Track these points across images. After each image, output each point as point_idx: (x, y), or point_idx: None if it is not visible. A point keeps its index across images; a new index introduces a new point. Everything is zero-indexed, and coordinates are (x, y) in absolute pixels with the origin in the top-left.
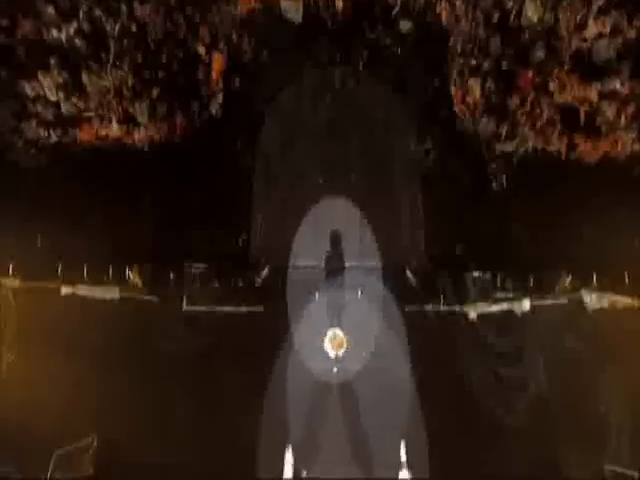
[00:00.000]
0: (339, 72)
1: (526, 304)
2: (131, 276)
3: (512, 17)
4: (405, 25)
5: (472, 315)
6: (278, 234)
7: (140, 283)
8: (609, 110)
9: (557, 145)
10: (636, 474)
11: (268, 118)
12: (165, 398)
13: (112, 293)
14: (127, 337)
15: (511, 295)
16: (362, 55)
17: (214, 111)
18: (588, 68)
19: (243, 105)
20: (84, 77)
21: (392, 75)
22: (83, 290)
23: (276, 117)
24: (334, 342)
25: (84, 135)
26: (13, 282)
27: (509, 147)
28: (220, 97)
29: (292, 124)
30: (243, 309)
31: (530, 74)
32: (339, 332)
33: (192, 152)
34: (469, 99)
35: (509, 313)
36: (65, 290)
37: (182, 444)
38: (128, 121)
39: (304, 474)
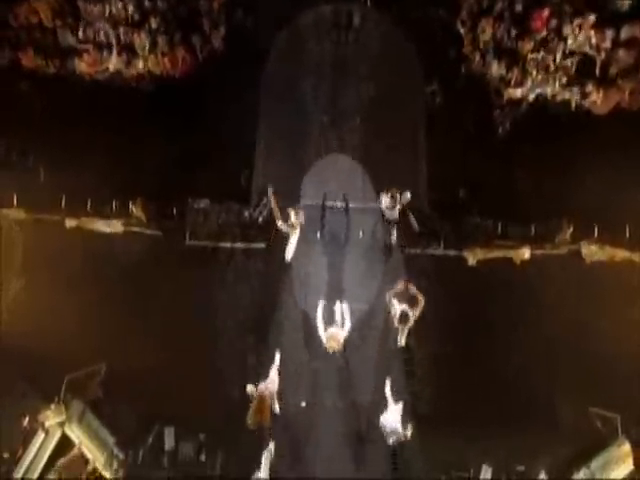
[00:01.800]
0: (345, 8)
1: (526, 253)
2: (134, 210)
3: None
4: None
5: (471, 261)
6: (281, 173)
7: (144, 217)
8: (626, 58)
9: (567, 94)
10: (617, 417)
11: (272, 54)
12: (166, 328)
13: (116, 227)
14: (131, 270)
15: (511, 243)
16: None
17: (216, 45)
18: (606, 13)
19: (246, 40)
20: (80, 3)
21: (399, 13)
22: (87, 223)
23: (280, 53)
24: (330, 341)
25: (83, 66)
26: (18, 214)
27: (518, 93)
28: (222, 30)
29: (296, 61)
30: (245, 245)
31: (546, 14)
32: (335, 330)
33: (195, 88)
34: (480, 41)
35: (508, 260)
36: (69, 223)
37: (182, 370)
38: (128, 53)
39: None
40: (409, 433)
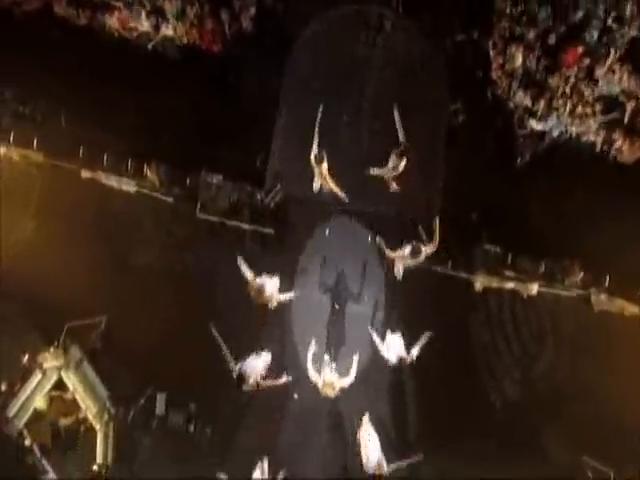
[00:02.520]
0: (376, 9)
1: (534, 288)
2: (149, 173)
3: None
4: None
5: (478, 286)
6: (297, 163)
7: (157, 181)
8: None
9: (593, 136)
10: (611, 472)
11: (299, 43)
12: (168, 294)
13: (129, 186)
14: (140, 231)
15: (520, 276)
16: None
17: (245, 24)
18: None
19: (275, 24)
20: None
21: (431, 24)
22: (102, 177)
23: (307, 44)
24: (326, 388)
25: (113, 22)
26: (37, 157)
27: (542, 126)
28: (252, 10)
29: (322, 54)
30: (254, 228)
31: (578, 52)
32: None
33: (220, 64)
34: (509, 67)
35: (515, 293)
36: (85, 174)
37: (181, 338)
38: (157, 17)
39: None
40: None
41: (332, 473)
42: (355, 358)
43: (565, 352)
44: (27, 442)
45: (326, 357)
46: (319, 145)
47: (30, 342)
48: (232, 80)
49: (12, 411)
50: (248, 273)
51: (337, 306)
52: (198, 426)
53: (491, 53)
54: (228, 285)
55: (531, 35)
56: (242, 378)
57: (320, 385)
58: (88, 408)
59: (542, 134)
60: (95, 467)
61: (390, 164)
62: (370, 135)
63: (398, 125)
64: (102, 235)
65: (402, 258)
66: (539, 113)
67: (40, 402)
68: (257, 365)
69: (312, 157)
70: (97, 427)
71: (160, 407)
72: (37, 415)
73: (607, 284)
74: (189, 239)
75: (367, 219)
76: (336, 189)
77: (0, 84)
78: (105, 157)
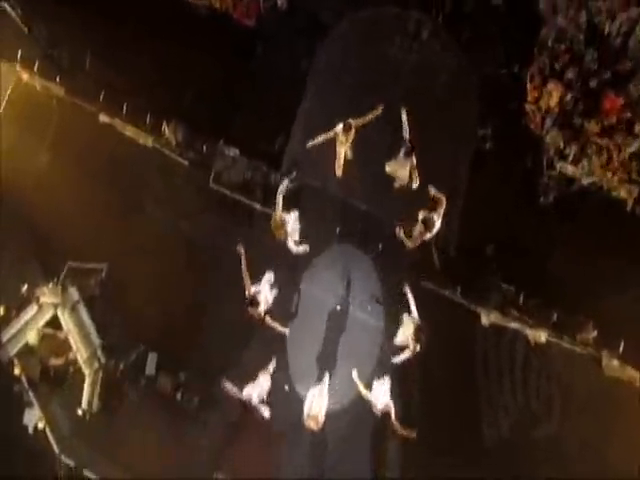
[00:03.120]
0: (415, 15)
1: (543, 336)
2: (167, 131)
3: (619, 36)
4: None
5: (484, 320)
6: (316, 152)
7: (174, 141)
8: None
9: (624, 193)
10: None
11: (331, 34)
12: (172, 256)
13: (146, 140)
14: (150, 186)
15: (529, 320)
16: (444, 7)
17: (280, 3)
18: None
19: (309, 10)
20: None
21: (470, 41)
22: (119, 125)
23: (341, 35)
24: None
25: None
26: (59, 90)
27: (571, 171)
28: None
29: (355, 49)
30: (264, 210)
31: (619, 102)
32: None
33: (251, 36)
34: (543, 103)
35: (522, 336)
36: (103, 119)
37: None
38: None
39: None
40: None
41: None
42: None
43: (567, 407)
44: (16, 371)
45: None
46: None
47: (30, 273)
48: (260, 55)
49: (5, 337)
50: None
51: (339, 307)
52: (186, 395)
53: (528, 85)
54: (229, 259)
55: (572, 75)
56: (254, 301)
57: (305, 415)
58: (79, 351)
59: (571, 179)
60: (79, 411)
61: (397, 164)
62: (387, 138)
63: (404, 124)
64: (113, 183)
65: (418, 236)
66: (570, 157)
67: (32, 338)
68: (268, 296)
69: (340, 126)
70: (86, 372)
71: (150, 367)
72: (28, 349)
73: (621, 350)
74: (198, 206)
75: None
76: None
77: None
78: (125, 106)
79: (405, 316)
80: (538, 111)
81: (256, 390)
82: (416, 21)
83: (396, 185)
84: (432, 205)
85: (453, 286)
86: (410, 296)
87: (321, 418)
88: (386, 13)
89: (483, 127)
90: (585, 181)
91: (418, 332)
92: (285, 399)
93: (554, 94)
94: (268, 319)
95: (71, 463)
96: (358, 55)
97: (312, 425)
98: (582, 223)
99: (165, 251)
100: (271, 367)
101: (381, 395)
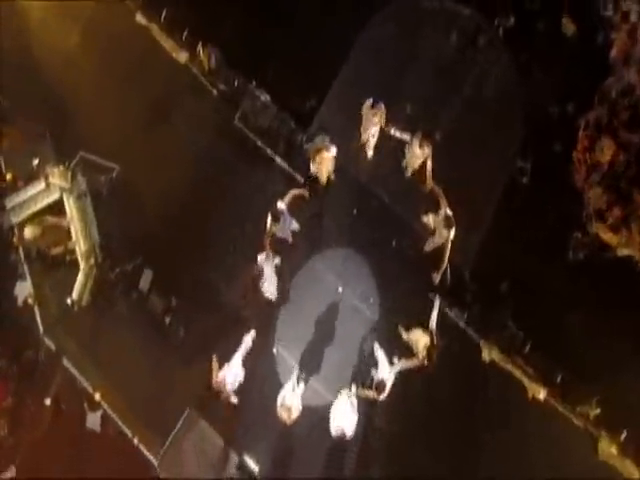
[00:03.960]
0: (476, 19)
1: (541, 393)
2: (201, 54)
3: None
4: (569, 27)
5: (485, 356)
6: (343, 128)
7: (206, 66)
8: None
9: None
10: None
11: (388, 10)
12: (184, 179)
13: (179, 56)
14: (176, 102)
15: (531, 370)
16: (507, 20)
17: None
18: None
19: None
20: None
21: (527, 63)
22: (155, 31)
23: (395, 17)
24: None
25: None
26: None
27: (608, 237)
28: None
29: (407, 35)
30: (284, 164)
31: None
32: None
33: None
34: (593, 156)
35: (520, 386)
36: (140, 19)
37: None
38: None
39: None
40: None
41: None
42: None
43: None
44: (14, 240)
45: (295, 375)
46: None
47: (43, 150)
48: (313, 13)
49: (9, 204)
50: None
51: (340, 289)
52: (174, 322)
53: (580, 132)
54: (237, 199)
55: (630, 136)
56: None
57: (278, 404)
58: (78, 242)
59: (606, 245)
60: (69, 300)
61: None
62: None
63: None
64: (139, 86)
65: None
66: (610, 222)
67: (34, 230)
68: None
69: (368, 103)
70: (81, 265)
71: (144, 283)
72: (30, 233)
73: (623, 438)
74: (219, 139)
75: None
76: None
77: None
78: (164, 13)
79: (417, 327)
80: (585, 162)
81: (230, 376)
82: (476, 24)
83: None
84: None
85: (460, 309)
86: (436, 309)
87: (295, 412)
88: (447, 6)
89: (523, 159)
90: (620, 252)
91: (432, 348)
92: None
93: (606, 151)
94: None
95: (52, 346)
96: (408, 41)
97: (284, 416)
98: (609, 292)
99: (179, 169)
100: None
101: (339, 414)
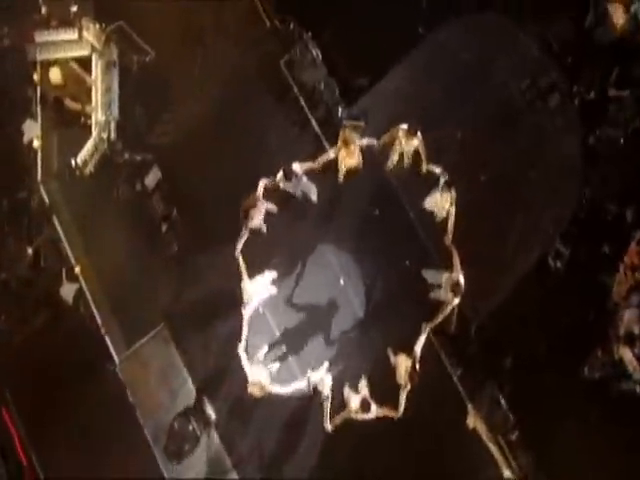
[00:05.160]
0: (555, 75)
1: None
2: None
3: None
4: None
5: (470, 421)
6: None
7: None
8: None
9: None
10: None
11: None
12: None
13: None
14: (226, 20)
15: (511, 461)
16: (587, 94)
17: None
18: None
19: None
20: None
21: (595, 148)
22: None
23: (472, 28)
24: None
25: None
26: None
27: (631, 366)
28: None
29: (473, 53)
30: (317, 131)
31: None
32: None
33: None
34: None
35: (499, 470)
36: None
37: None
38: None
39: None
40: None
41: None
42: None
43: None
44: (35, 76)
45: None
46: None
47: (84, 1)
48: None
49: (38, 38)
50: None
51: (342, 282)
52: (169, 234)
53: (632, 243)
54: (266, 138)
55: None
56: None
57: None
58: (96, 109)
59: (627, 373)
60: (72, 161)
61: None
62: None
63: None
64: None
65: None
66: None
67: (57, 74)
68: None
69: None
70: (93, 133)
71: (151, 181)
72: (53, 76)
73: None
74: (260, 75)
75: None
76: None
77: None
78: None
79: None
80: (629, 279)
81: None
82: (553, 82)
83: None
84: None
85: (457, 362)
86: (424, 334)
87: (266, 388)
88: (529, 49)
89: (564, 243)
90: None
91: (413, 372)
92: None
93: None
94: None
95: (46, 200)
96: (478, 64)
97: (256, 392)
98: (616, 423)
99: (213, 84)
100: None
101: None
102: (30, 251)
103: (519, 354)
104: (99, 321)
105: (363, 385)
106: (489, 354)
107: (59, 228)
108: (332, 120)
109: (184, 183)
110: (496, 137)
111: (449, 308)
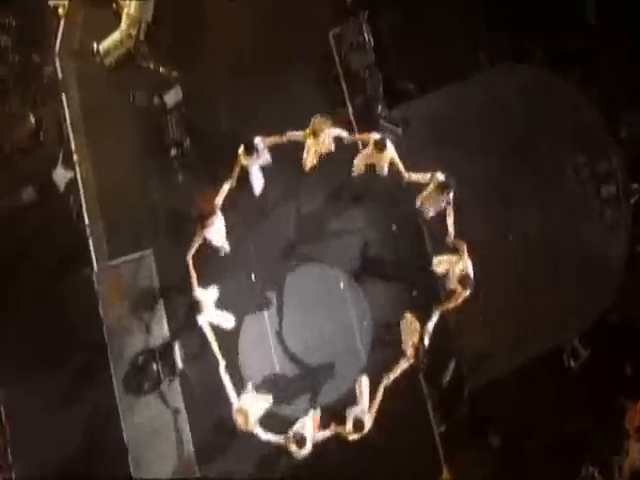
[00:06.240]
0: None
1: None
2: None
3: None
4: None
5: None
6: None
7: None
8: None
9: None
10: None
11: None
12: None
13: None
14: None
15: None
16: None
17: None
18: None
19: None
20: None
21: None
22: None
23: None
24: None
25: None
26: None
27: None
28: None
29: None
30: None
31: None
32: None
33: None
34: None
35: None
36: None
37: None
38: None
39: None
40: None
41: None
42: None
43: None
44: None
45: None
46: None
47: None
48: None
49: None
50: None
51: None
52: (177, 161)
53: None
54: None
55: None
56: None
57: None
58: (130, 2)
59: None
60: (95, 46)
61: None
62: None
63: None
64: None
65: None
66: None
67: None
68: None
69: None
70: (122, 24)
71: (171, 98)
72: None
73: None
74: (302, 35)
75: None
76: None
77: None
78: None
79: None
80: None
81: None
82: (611, 170)
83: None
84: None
85: (443, 418)
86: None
87: (250, 424)
88: (595, 125)
89: (583, 343)
90: None
91: (420, 345)
92: None
93: None
94: None
95: (59, 74)
96: (531, 113)
97: (241, 421)
98: None
99: (251, 26)
100: None
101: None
102: (32, 119)
103: (510, 440)
104: (86, 220)
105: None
106: (478, 425)
107: (66, 108)
108: (369, 114)
109: (203, 117)
110: (531, 202)
111: (460, 299)
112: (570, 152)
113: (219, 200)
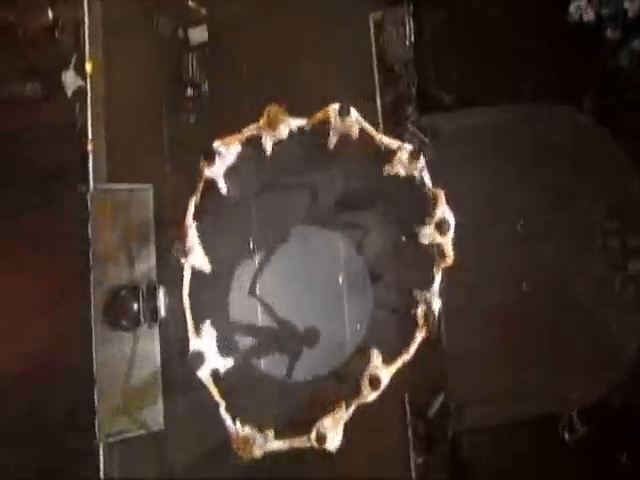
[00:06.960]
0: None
1: None
2: None
3: None
4: None
5: None
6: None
7: None
8: None
9: None
10: None
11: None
12: None
13: None
14: None
15: None
16: None
17: None
18: None
19: None
20: None
21: None
22: None
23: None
24: None
25: None
26: None
27: None
28: None
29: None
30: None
31: None
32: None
33: None
34: None
35: None
36: None
37: None
38: None
39: None
40: None
41: None
42: None
43: None
44: None
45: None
46: None
47: None
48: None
49: None
50: None
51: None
52: (192, 102)
53: None
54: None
55: None
56: None
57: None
58: None
59: None
60: None
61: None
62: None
63: None
64: None
65: None
66: None
67: None
68: None
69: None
70: None
71: (196, 35)
72: None
73: None
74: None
75: None
76: None
77: None
78: None
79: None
80: None
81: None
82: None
83: None
84: None
85: (422, 450)
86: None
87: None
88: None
89: (581, 417)
90: None
91: (429, 314)
92: None
93: None
94: None
95: None
96: (569, 160)
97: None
98: None
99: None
100: None
101: None
102: (50, 15)
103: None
104: (89, 134)
105: None
106: (457, 469)
107: (86, 12)
108: (397, 114)
109: (225, 65)
110: (552, 254)
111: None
112: (603, 216)
113: (189, 219)
